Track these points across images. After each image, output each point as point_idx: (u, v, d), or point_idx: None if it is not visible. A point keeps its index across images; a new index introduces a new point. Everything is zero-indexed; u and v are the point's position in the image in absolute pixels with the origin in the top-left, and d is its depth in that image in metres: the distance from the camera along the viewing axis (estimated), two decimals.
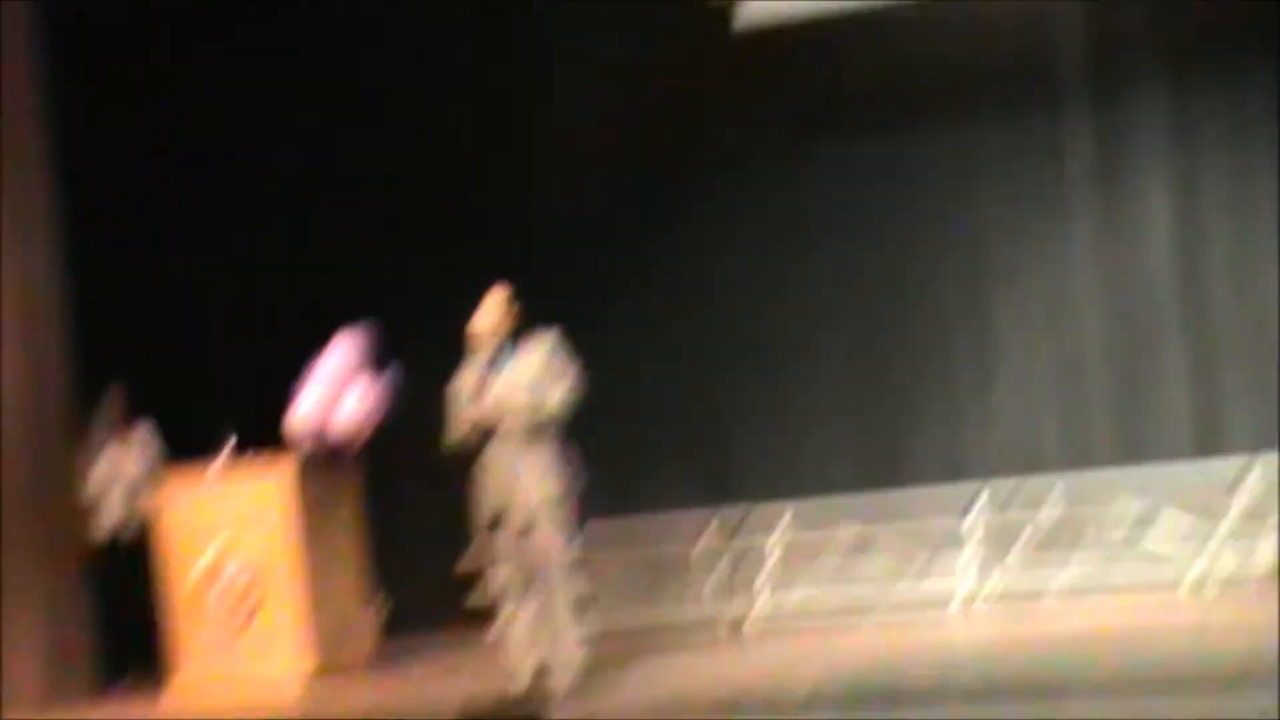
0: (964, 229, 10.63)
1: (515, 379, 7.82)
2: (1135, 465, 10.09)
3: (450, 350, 9.97)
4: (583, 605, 8.07)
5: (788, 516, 10.39)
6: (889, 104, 10.70)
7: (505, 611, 8.21)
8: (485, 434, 7.83)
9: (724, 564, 10.34)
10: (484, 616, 10.23)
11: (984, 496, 10.03)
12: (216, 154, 11.40)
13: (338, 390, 9.60)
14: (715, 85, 10.88)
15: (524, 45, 11.19)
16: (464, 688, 8.67)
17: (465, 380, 7.87)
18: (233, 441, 9.04)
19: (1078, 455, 10.33)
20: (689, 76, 10.89)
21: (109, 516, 10.20)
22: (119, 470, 10.18)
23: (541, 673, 7.95)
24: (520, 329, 7.95)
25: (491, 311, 7.89)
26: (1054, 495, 10.00)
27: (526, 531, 7.86)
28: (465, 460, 9.90)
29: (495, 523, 7.90)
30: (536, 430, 7.77)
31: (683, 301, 11.13)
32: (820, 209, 10.91)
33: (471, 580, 10.33)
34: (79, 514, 10.14)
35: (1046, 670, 7.34)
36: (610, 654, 8.87)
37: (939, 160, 10.65)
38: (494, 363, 7.87)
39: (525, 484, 7.80)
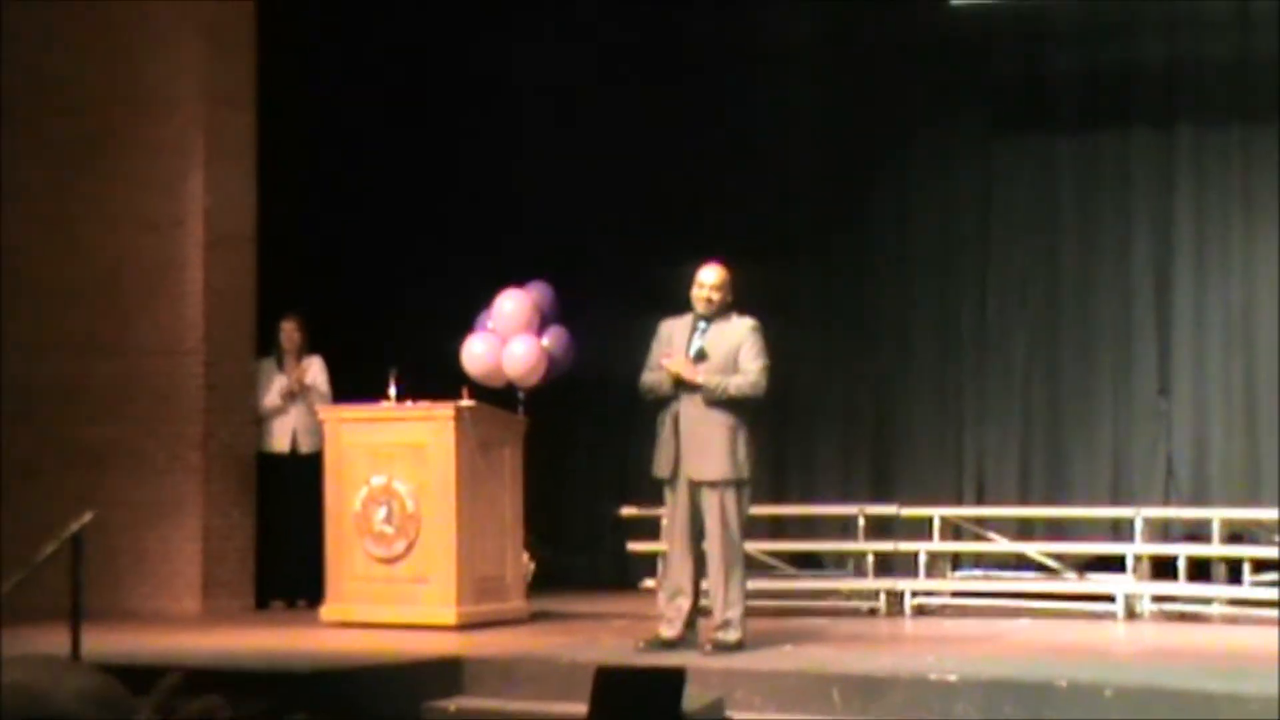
0: (1157, 239, 10.39)
1: (715, 346, 7.97)
2: None
3: (618, 315, 10.05)
4: (743, 566, 8.07)
5: (938, 520, 10.26)
6: (1088, 101, 10.54)
7: (667, 561, 8.34)
8: (675, 388, 7.95)
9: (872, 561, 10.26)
10: (641, 565, 10.28)
11: (1140, 524, 9.77)
12: (411, 106, 11.54)
13: (507, 337, 9.69)
14: (919, 71, 10.81)
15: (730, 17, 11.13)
16: (616, 634, 8.73)
17: (674, 331, 8.02)
18: (398, 382, 9.14)
19: (1248, 490, 10.05)
20: (896, 59, 10.80)
21: (277, 441, 10.37)
22: (290, 396, 10.33)
23: (695, 625, 7.99)
24: (729, 305, 8.09)
25: (711, 277, 8.03)
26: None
27: (698, 486, 7.93)
28: (627, 417, 9.97)
29: (668, 474, 8.00)
30: (721, 399, 7.88)
31: (861, 293, 11.08)
32: (1010, 205, 10.78)
33: (631, 527, 10.38)
34: (248, 437, 10.30)
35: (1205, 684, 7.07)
36: (764, 618, 8.87)
37: (1135, 161, 10.44)
38: (701, 326, 8.03)
39: (703, 443, 7.89)
